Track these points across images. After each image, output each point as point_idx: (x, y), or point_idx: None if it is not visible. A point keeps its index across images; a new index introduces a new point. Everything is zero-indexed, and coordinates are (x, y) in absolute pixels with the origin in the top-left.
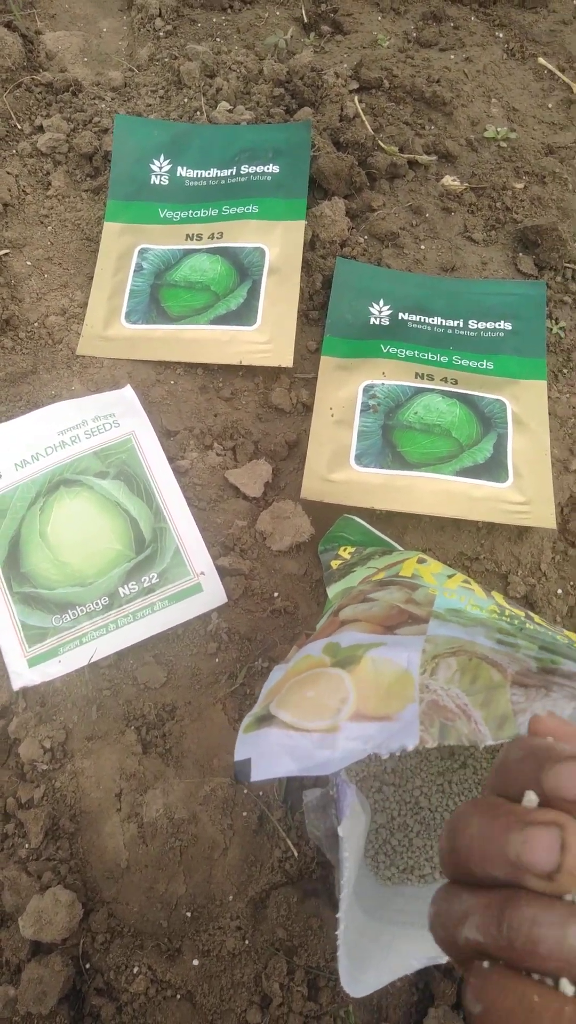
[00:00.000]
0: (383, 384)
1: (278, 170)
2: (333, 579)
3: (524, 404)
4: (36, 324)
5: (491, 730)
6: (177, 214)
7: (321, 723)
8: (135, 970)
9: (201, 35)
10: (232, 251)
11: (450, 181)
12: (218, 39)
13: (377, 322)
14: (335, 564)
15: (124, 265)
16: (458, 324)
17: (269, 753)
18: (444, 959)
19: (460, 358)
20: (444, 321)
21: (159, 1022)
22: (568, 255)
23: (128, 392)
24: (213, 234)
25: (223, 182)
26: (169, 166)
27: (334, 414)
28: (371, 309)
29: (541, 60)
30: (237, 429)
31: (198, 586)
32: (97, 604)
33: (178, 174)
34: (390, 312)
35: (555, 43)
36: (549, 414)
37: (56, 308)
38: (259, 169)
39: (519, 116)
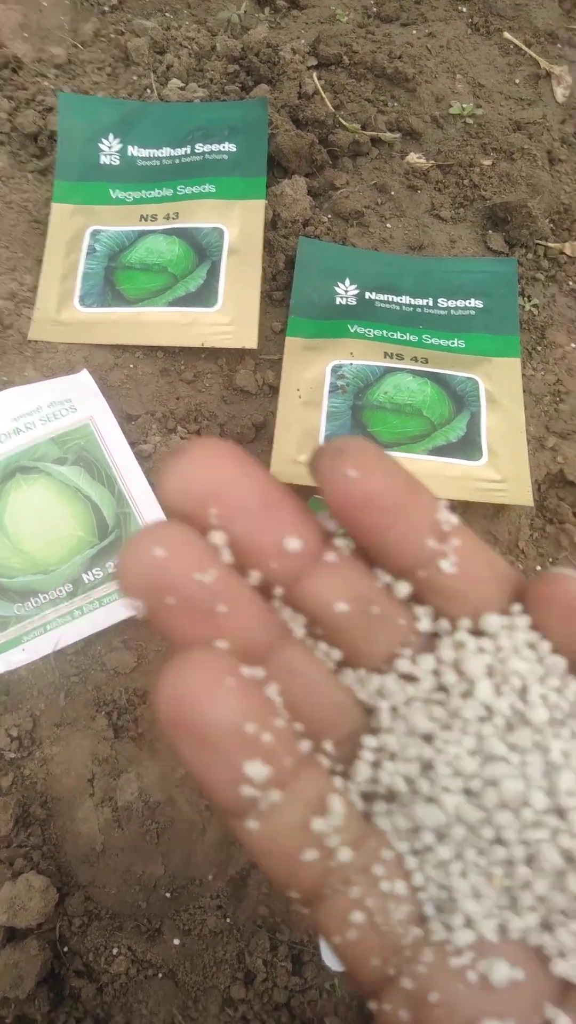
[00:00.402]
0: (351, 364)
1: (235, 149)
2: None
3: (497, 382)
4: None
5: None
6: (130, 195)
7: None
8: (115, 951)
9: (149, 9)
10: (189, 232)
11: (415, 158)
12: (167, 14)
13: (344, 302)
14: None
15: (76, 247)
16: (427, 303)
17: None
18: None
19: (430, 337)
20: (413, 300)
21: (141, 1000)
22: (539, 232)
23: (85, 376)
24: (168, 214)
25: (177, 161)
26: (119, 145)
27: (301, 395)
28: (337, 289)
29: (507, 35)
30: (201, 412)
31: None
32: (61, 591)
33: (129, 153)
34: (357, 292)
35: (521, 17)
36: (524, 392)
37: (4, 292)
38: (215, 148)
39: (485, 92)
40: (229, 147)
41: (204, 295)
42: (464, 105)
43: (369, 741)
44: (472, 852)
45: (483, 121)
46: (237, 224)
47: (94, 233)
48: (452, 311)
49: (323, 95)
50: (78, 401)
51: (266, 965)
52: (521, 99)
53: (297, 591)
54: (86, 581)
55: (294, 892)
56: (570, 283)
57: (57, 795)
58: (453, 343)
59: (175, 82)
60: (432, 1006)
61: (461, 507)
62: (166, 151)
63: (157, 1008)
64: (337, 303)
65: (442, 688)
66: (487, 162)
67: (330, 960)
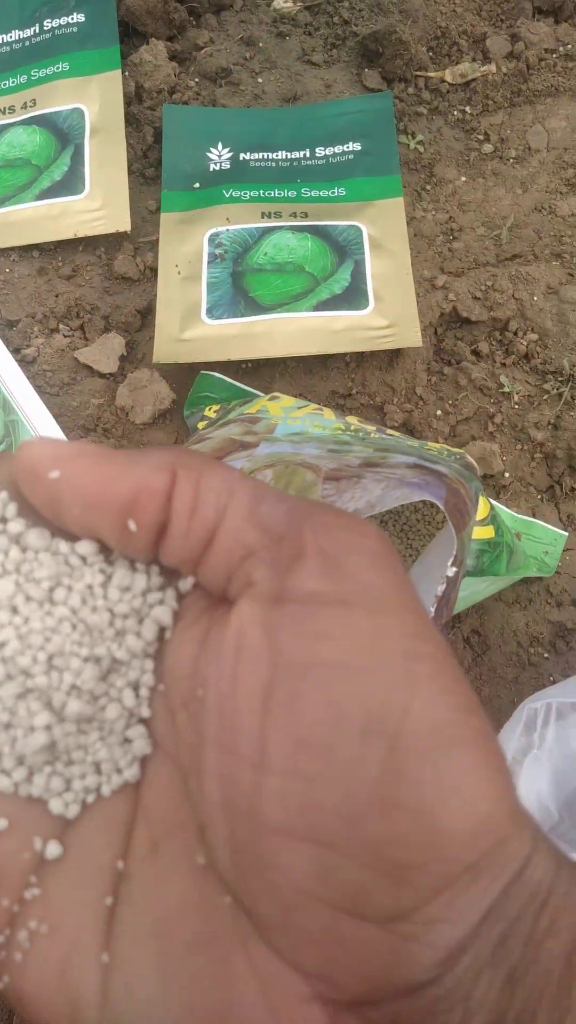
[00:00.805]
0: (228, 230)
1: (84, 19)
2: (200, 441)
3: (381, 226)
4: None
5: None
6: None
7: None
8: None
9: None
10: (49, 118)
11: (282, 3)
12: None
13: (217, 167)
14: (201, 426)
15: None
16: (304, 154)
17: None
18: None
19: (309, 189)
20: (289, 154)
21: None
22: (416, 61)
23: None
24: (26, 103)
25: (27, 43)
26: None
27: (180, 271)
28: (209, 155)
29: None
30: (82, 306)
31: None
32: None
33: None
34: (231, 154)
35: None
36: (415, 234)
37: None
38: (63, 21)
39: None
40: (78, 17)
41: (71, 182)
42: None
43: None
44: None
45: None
46: (96, 101)
47: None
48: (331, 159)
49: None
50: None
51: None
52: None
53: None
54: None
55: None
56: (454, 113)
57: None
58: (333, 192)
59: None
60: None
61: (354, 359)
62: (15, 34)
63: None
64: (211, 170)
65: None
66: None
67: None
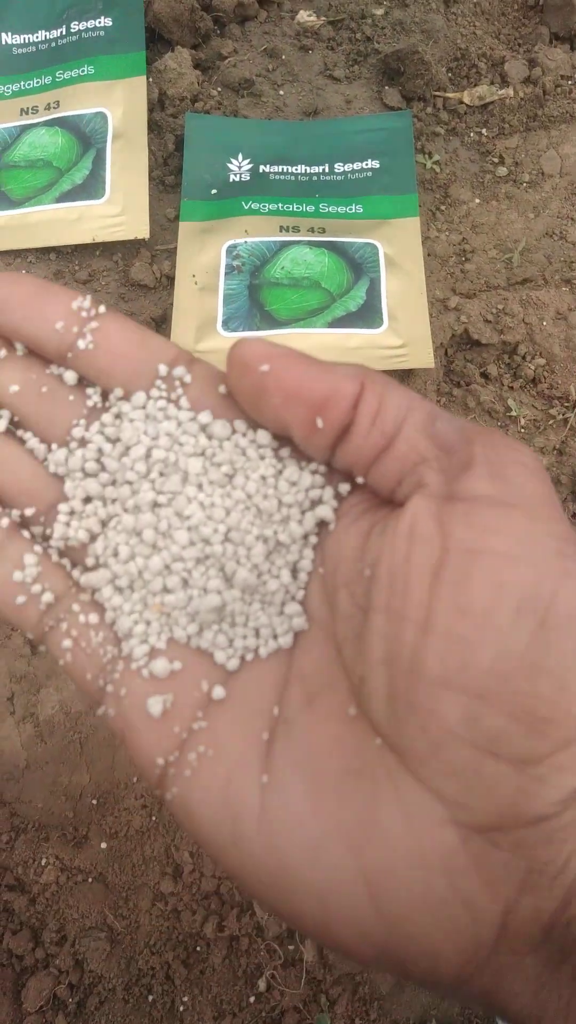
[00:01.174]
0: (246, 243)
1: (111, 23)
2: None
3: (397, 244)
4: None
5: None
6: (8, 88)
7: None
8: (43, 862)
9: None
10: (71, 120)
11: (305, 17)
12: None
13: (237, 178)
14: None
15: None
16: (323, 169)
17: None
18: None
19: (327, 205)
20: (308, 168)
21: (72, 906)
22: (435, 81)
23: None
24: (49, 104)
25: (53, 44)
26: None
27: (197, 281)
28: (229, 165)
29: None
30: None
31: None
32: None
33: (3, 42)
34: (250, 166)
35: None
36: (428, 254)
37: None
38: (90, 24)
39: None
40: (105, 21)
41: (91, 186)
42: None
43: (62, 507)
44: (137, 586)
45: None
46: (120, 106)
47: None
48: (349, 175)
49: None
50: None
51: (193, 857)
52: None
53: None
54: None
55: (28, 632)
56: (471, 134)
57: None
58: (351, 209)
59: None
60: (121, 698)
61: None
62: (41, 34)
63: (89, 911)
64: (231, 180)
65: (102, 453)
66: (379, 11)
67: None
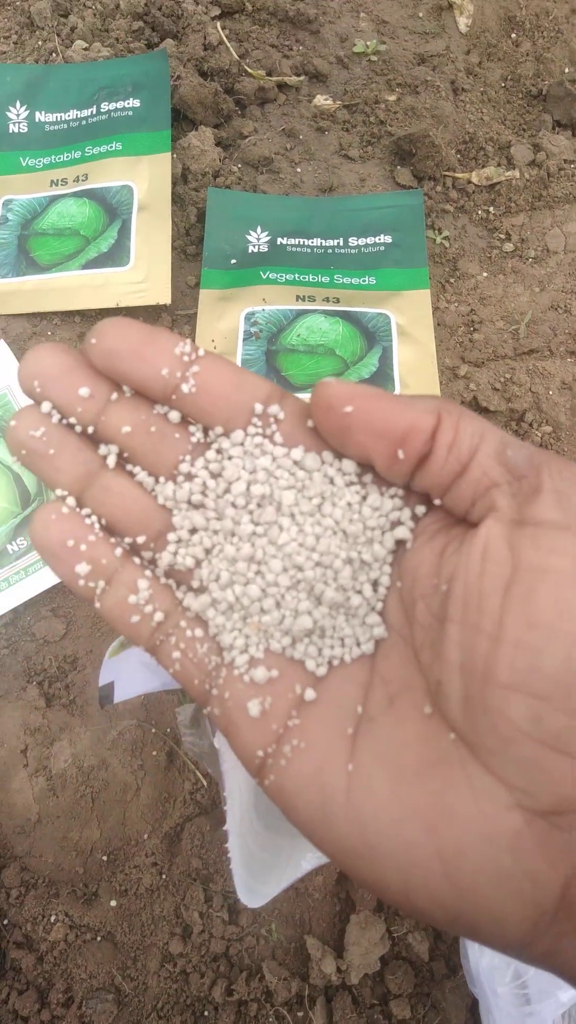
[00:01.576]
0: (264, 310)
1: (139, 104)
2: None
3: (408, 315)
4: None
5: None
6: (40, 161)
7: None
8: (52, 919)
9: None
10: (99, 192)
11: (322, 100)
12: None
13: (256, 249)
14: None
15: None
16: (338, 243)
17: (131, 672)
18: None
19: (341, 276)
20: (324, 241)
21: (80, 965)
22: (445, 162)
23: (1, 347)
24: (78, 177)
25: (84, 123)
26: (27, 112)
27: (216, 346)
28: (248, 237)
29: None
30: None
31: None
32: None
33: (36, 120)
34: (268, 238)
35: None
36: (438, 324)
37: None
38: (120, 105)
39: (389, 28)
40: (133, 103)
41: (116, 255)
42: (368, 43)
43: (170, 536)
44: (238, 607)
45: (387, 57)
46: (146, 180)
47: (6, 203)
48: (363, 249)
49: (227, 44)
50: None
51: (202, 917)
52: (425, 32)
53: (100, 426)
54: (11, 552)
55: (140, 645)
56: (479, 212)
57: None
58: (364, 280)
59: (80, 43)
60: (225, 700)
61: None
62: (73, 113)
63: (97, 971)
64: (250, 251)
65: (206, 487)
66: (392, 98)
67: (245, 897)
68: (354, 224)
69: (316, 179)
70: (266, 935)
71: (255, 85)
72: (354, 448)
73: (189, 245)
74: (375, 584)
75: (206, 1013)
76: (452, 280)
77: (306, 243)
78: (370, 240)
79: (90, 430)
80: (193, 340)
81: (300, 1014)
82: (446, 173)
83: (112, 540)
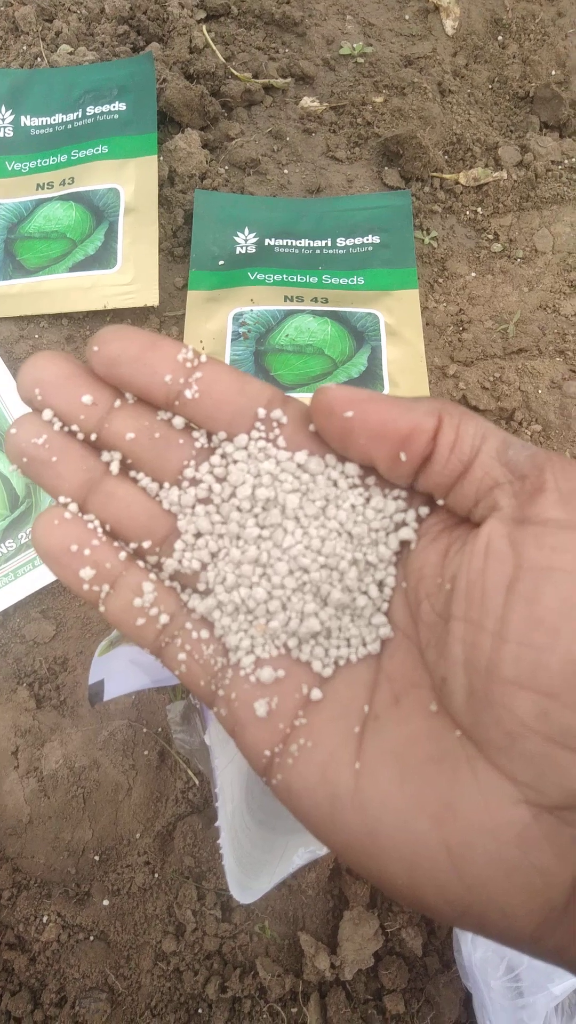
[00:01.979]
0: (252, 311)
1: (125, 107)
2: None
3: (397, 315)
4: None
5: None
6: (25, 165)
7: None
8: (44, 919)
9: None
10: (86, 195)
11: (309, 102)
12: None
13: (243, 251)
14: None
15: None
16: (326, 243)
17: (121, 670)
18: (323, 851)
19: (330, 277)
20: (312, 242)
21: (73, 965)
22: (432, 163)
23: None
24: (64, 180)
25: (69, 126)
26: (12, 116)
27: (204, 347)
28: (236, 239)
29: None
30: None
31: None
32: None
33: (22, 124)
34: (256, 239)
35: None
36: (427, 323)
37: None
38: (105, 108)
39: (375, 31)
40: (119, 106)
41: (103, 257)
42: (354, 45)
43: (177, 544)
44: (243, 609)
45: (374, 59)
46: (132, 182)
47: None
48: (351, 249)
49: (213, 47)
50: None
51: (195, 915)
52: (411, 35)
53: (103, 433)
54: (0, 553)
55: (145, 648)
56: (467, 212)
57: None
58: (353, 280)
59: (65, 48)
60: (231, 700)
61: None
62: (58, 117)
63: (90, 970)
64: (237, 252)
65: (212, 491)
66: (379, 99)
67: (237, 894)
68: (342, 225)
69: (303, 180)
70: (259, 932)
71: (241, 87)
72: (356, 451)
73: (176, 247)
74: (381, 585)
75: (200, 1011)
76: (441, 280)
77: (294, 244)
78: (358, 240)
79: (93, 437)
80: (181, 341)
81: (294, 1010)
82: (434, 174)
83: (115, 544)
